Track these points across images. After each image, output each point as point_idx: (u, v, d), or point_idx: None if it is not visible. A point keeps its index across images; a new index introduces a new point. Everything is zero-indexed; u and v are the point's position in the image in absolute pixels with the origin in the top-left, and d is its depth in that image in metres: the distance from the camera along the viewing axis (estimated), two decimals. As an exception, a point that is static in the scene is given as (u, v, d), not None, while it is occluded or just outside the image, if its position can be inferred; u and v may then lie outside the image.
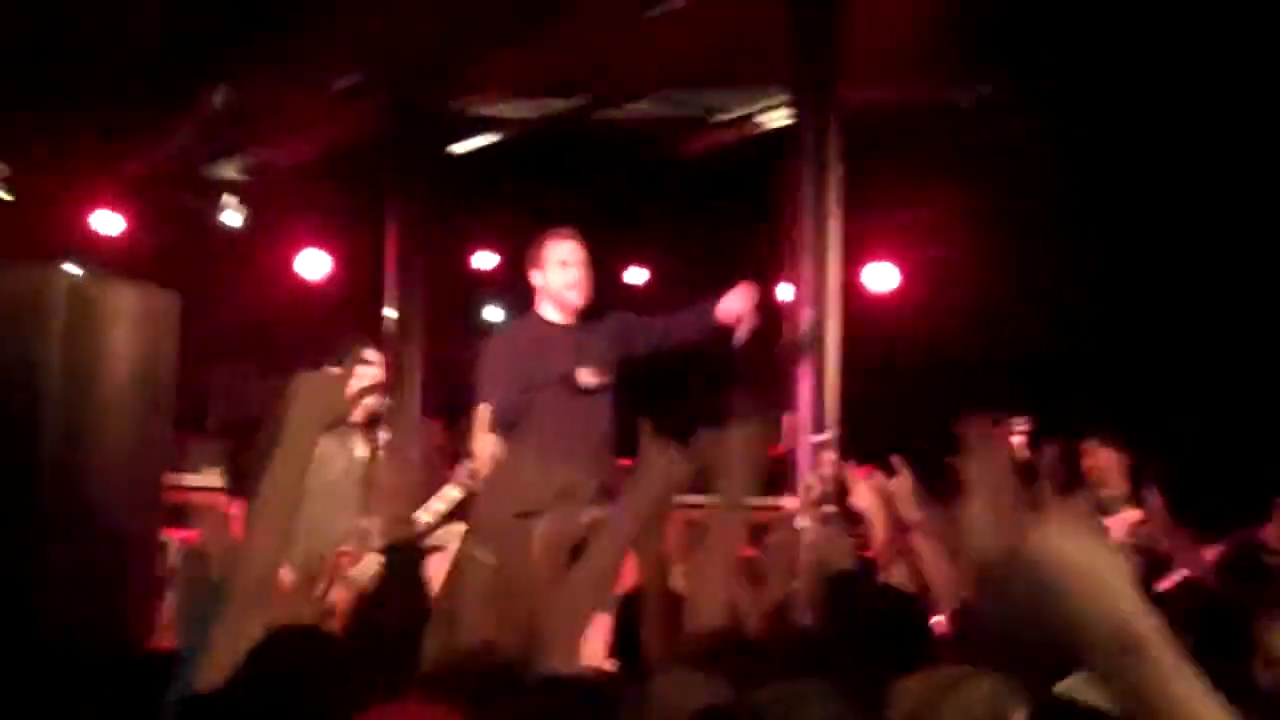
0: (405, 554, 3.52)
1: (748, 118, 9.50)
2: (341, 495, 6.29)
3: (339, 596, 5.84)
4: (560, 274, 6.37)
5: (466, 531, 3.00)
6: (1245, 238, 8.90)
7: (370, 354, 6.56)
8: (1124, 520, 7.27)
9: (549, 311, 6.47)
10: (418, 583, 3.26)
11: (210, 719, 2.60)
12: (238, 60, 9.02)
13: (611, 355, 6.51)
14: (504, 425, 6.13)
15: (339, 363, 6.32)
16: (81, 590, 4.73)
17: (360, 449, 6.55)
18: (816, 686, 2.32)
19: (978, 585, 1.28)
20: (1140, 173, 9.04)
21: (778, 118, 8.31)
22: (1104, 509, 7.83)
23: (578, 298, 6.44)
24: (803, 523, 6.64)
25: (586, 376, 6.29)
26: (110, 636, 4.66)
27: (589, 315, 6.57)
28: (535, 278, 6.45)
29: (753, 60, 8.10)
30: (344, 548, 5.96)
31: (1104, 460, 8.33)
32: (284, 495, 2.98)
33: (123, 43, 8.95)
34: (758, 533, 9.01)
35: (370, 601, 3.56)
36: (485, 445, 5.99)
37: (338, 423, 3.10)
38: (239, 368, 11.80)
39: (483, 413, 6.09)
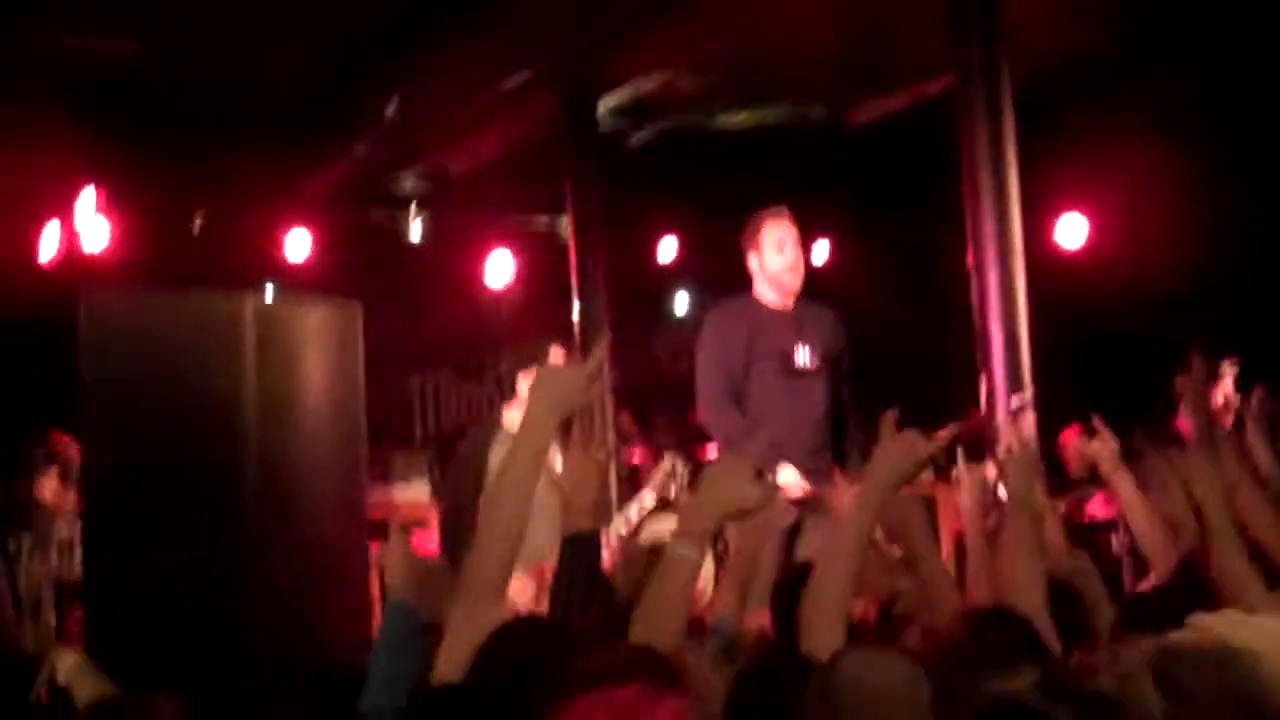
0: (587, 554, 3.57)
1: (919, 81, 9.35)
2: (541, 506, 6.34)
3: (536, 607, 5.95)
4: (777, 257, 6.33)
5: (674, 531, 3.00)
6: None
7: (557, 354, 6.57)
8: None
9: (766, 293, 6.45)
10: (598, 583, 3.29)
11: (447, 711, 2.64)
12: (406, 71, 9.16)
13: (829, 342, 6.47)
14: (724, 404, 6.16)
15: (527, 365, 6.33)
16: (291, 612, 4.82)
17: (557, 459, 6.60)
18: None
19: None
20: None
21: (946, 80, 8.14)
22: None
23: (794, 280, 6.42)
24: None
25: (805, 357, 6.29)
26: (323, 655, 4.75)
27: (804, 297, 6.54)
28: (751, 261, 6.45)
29: (916, 21, 7.97)
30: (543, 561, 6.07)
31: None
32: (519, 490, 3.02)
33: (293, 64, 9.15)
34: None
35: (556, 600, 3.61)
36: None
37: (574, 415, 3.17)
38: (437, 377, 12.01)
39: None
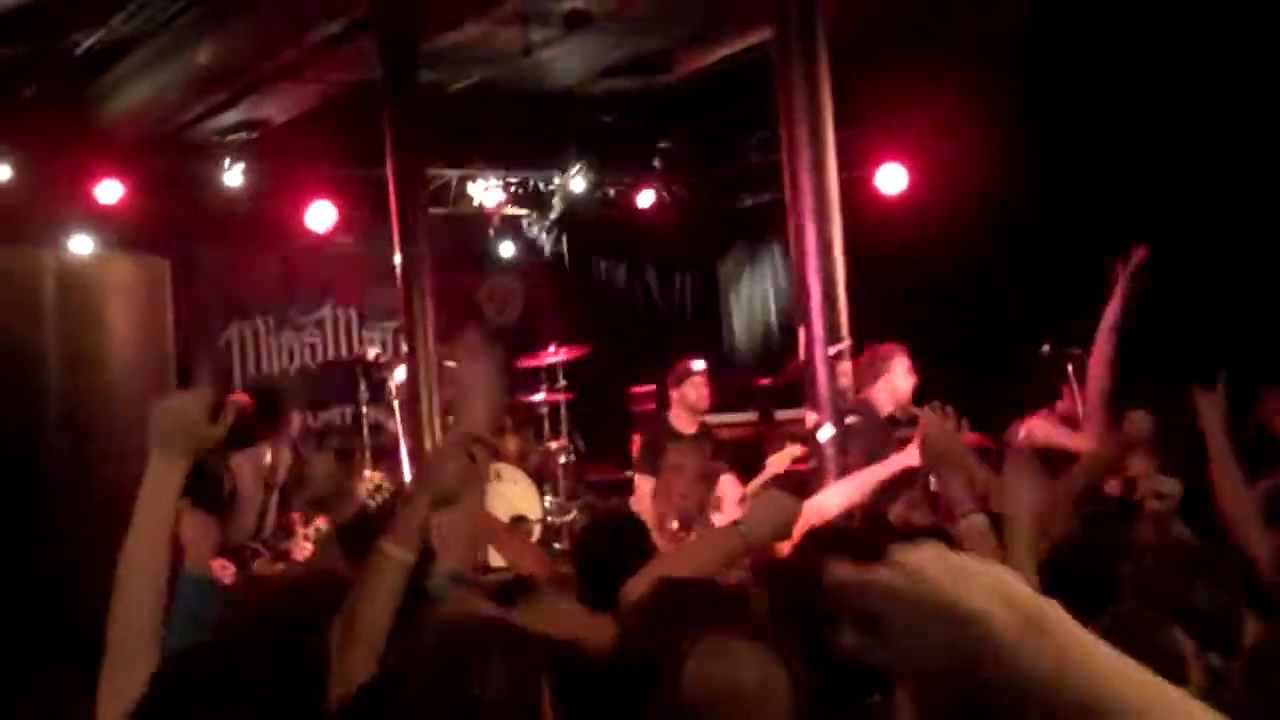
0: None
1: (738, 34, 9.38)
2: (254, 499, 6.55)
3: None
4: (906, 381, 7.32)
5: (388, 530, 2.94)
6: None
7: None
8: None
9: (886, 404, 7.17)
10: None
11: None
12: (220, 14, 8.94)
13: None
14: None
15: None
16: (96, 565, 4.69)
17: (266, 456, 6.75)
18: None
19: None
20: (1139, 63, 8.89)
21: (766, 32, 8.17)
22: None
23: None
24: (826, 434, 6.65)
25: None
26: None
27: None
28: (882, 380, 7.31)
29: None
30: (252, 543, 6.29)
31: None
32: (154, 545, 2.79)
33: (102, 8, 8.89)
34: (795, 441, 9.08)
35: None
36: None
37: (205, 445, 2.83)
38: (256, 324, 11.84)
39: None
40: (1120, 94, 9.05)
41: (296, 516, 6.93)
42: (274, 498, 6.64)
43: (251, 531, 6.44)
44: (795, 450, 8.46)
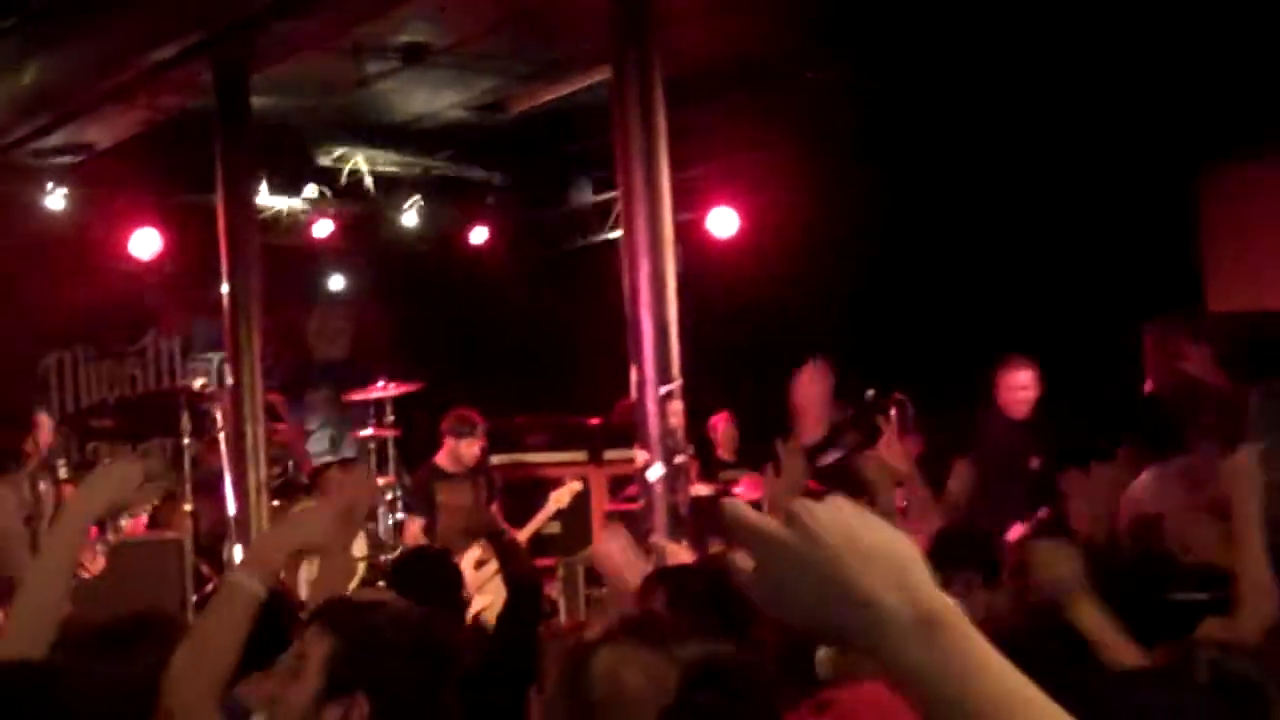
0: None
1: (576, 73, 9.43)
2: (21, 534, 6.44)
3: None
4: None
5: (242, 560, 2.97)
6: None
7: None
8: None
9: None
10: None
11: None
12: (52, 36, 8.75)
13: None
14: None
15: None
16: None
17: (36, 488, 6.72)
18: None
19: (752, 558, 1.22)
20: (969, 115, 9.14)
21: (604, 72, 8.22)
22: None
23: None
24: (655, 474, 6.68)
25: None
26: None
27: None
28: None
29: (576, 14, 8.03)
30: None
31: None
32: (55, 570, 3.02)
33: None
34: (618, 484, 9.14)
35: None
36: None
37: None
38: (76, 354, 11.56)
39: None
40: (948, 142, 9.29)
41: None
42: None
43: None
44: (576, 486, 8.78)
